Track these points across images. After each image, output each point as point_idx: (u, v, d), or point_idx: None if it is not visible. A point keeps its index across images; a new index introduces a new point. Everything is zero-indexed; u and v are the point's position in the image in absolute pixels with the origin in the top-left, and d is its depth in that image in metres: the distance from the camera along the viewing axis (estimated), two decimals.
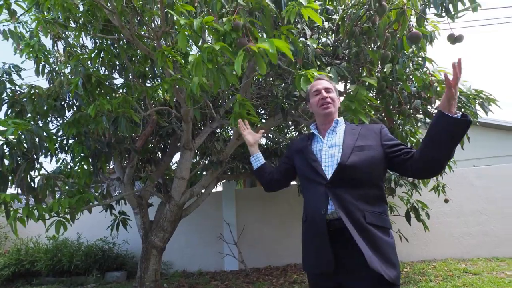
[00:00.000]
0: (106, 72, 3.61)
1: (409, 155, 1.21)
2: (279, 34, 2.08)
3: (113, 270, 5.75)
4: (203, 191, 4.61)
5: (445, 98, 1.08)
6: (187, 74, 2.53)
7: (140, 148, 4.06)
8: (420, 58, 2.48)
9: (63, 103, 3.39)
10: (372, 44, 2.27)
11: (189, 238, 6.02)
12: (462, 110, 2.34)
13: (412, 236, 4.74)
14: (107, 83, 3.40)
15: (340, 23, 2.19)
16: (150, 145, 4.67)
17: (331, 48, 2.46)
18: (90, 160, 3.45)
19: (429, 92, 2.46)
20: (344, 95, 2.33)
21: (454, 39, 2.44)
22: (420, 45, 2.10)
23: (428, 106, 2.43)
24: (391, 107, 2.30)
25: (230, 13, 2.15)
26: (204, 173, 4.64)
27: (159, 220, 4.34)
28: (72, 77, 3.22)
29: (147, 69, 3.82)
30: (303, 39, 2.26)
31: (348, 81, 2.55)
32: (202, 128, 4.53)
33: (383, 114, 2.55)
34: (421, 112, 2.50)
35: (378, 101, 2.48)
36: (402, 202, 4.08)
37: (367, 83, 2.19)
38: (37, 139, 2.76)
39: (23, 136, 2.66)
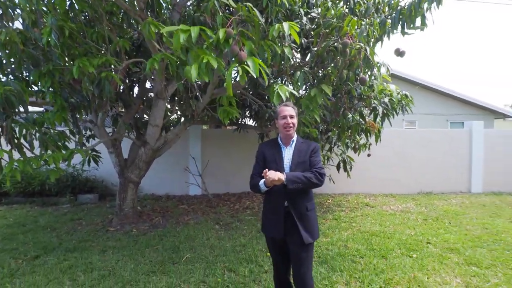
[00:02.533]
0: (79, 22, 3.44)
1: (313, 167, 1.99)
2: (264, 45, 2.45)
3: (84, 193, 6.40)
4: None
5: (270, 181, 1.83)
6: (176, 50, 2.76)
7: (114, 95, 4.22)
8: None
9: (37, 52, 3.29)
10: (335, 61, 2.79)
11: (158, 168, 6.75)
12: (386, 113, 3.25)
13: (338, 176, 6.18)
14: (81, 35, 3.33)
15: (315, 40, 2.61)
16: (121, 90, 4.77)
17: (304, 49, 2.90)
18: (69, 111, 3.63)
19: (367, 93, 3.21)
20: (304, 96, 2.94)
21: (399, 52, 3.10)
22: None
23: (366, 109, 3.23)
24: (339, 106, 3.01)
25: (224, 17, 2.38)
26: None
27: (134, 160, 4.91)
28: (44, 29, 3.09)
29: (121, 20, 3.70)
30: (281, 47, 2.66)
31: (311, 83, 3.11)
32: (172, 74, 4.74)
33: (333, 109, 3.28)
34: (357, 109, 3.32)
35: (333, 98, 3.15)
36: (337, 156, 5.27)
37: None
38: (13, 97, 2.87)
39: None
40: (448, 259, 3.31)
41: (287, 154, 2.04)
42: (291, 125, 2.00)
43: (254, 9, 2.15)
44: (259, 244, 3.73)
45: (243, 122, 6.44)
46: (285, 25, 2.20)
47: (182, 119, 4.63)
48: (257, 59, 2.02)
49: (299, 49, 2.91)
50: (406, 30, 2.94)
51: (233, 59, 2.06)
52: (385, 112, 3.41)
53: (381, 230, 4.27)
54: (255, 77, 1.98)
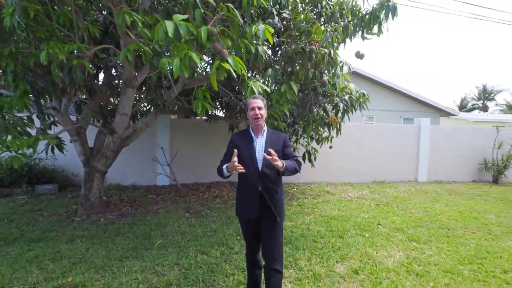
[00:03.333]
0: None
1: (291, 157, 2.23)
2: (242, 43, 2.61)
3: (43, 183, 6.05)
4: None
5: (275, 164, 1.99)
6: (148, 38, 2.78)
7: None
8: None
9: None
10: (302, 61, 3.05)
11: (124, 157, 6.58)
12: (346, 109, 3.65)
13: (303, 166, 6.58)
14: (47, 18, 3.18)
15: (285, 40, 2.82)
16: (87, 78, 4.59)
17: (275, 48, 3.11)
18: (32, 96, 3.46)
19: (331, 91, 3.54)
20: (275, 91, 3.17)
21: (359, 55, 3.44)
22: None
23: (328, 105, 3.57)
24: (306, 101, 3.30)
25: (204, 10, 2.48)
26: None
27: (101, 149, 4.79)
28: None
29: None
30: (257, 46, 2.84)
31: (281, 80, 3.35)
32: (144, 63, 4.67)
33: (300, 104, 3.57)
34: (321, 105, 3.65)
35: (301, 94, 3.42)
36: (302, 147, 5.63)
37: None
38: None
39: None
40: (394, 237, 3.83)
41: (259, 143, 2.21)
42: (259, 115, 2.15)
43: (235, 10, 2.29)
44: (229, 229, 3.95)
45: (213, 113, 6.53)
46: (261, 27, 2.38)
47: (152, 108, 4.60)
48: (237, 58, 2.19)
49: (270, 47, 3.10)
50: (365, 35, 3.29)
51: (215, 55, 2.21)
52: (345, 108, 3.80)
53: (339, 214, 4.73)
54: (235, 75, 2.14)
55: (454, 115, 14.97)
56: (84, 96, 5.16)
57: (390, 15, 2.86)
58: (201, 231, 3.86)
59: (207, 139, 7.06)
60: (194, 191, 6.30)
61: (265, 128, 2.27)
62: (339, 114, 3.81)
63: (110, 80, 5.07)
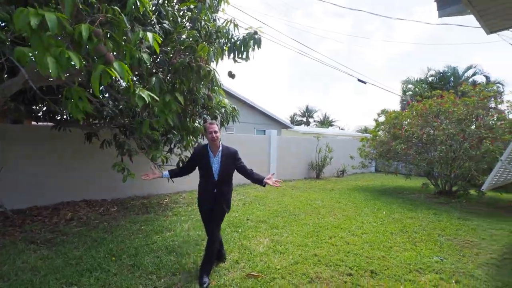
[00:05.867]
0: None
1: (244, 169, 3.05)
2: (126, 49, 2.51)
3: None
4: None
5: (269, 182, 2.91)
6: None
7: None
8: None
9: None
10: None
11: None
12: (222, 120, 4.12)
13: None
14: None
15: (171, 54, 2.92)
16: None
17: (158, 57, 3.13)
18: None
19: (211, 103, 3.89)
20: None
21: (231, 75, 3.97)
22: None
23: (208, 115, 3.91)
24: (187, 111, 3.47)
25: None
26: None
27: None
28: None
29: None
30: (140, 52, 2.79)
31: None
32: None
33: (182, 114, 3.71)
34: (201, 116, 3.95)
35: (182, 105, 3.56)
36: (176, 156, 5.66)
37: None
38: None
39: None
40: (260, 228, 4.58)
41: (216, 161, 2.93)
42: (215, 137, 2.87)
43: (122, 14, 2.18)
44: (100, 252, 3.47)
45: (64, 118, 5.44)
46: (149, 35, 2.39)
47: None
48: (124, 65, 2.11)
49: (151, 55, 3.09)
50: (236, 59, 3.87)
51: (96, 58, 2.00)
52: (222, 120, 4.25)
53: None
54: (122, 83, 2.06)
55: (290, 127, 19.00)
56: None
57: (256, 45, 3.56)
58: (61, 261, 3.19)
59: (53, 151, 5.73)
60: (34, 217, 4.96)
61: (220, 147, 2.96)
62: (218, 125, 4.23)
63: None
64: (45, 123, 5.77)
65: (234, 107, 4.54)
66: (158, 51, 2.61)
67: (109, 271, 3.00)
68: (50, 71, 1.79)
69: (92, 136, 5.65)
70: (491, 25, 2.98)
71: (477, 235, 4.57)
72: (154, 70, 3.13)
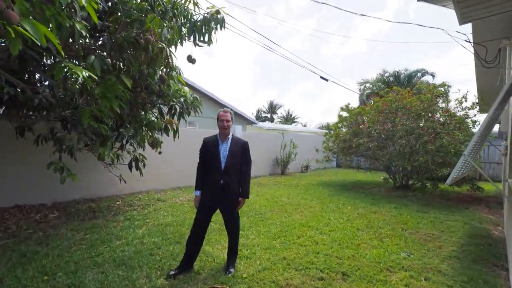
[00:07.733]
0: None
1: (243, 164, 2.98)
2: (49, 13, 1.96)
3: None
4: None
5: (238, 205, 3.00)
6: None
7: None
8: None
9: None
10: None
11: None
12: (182, 110, 3.64)
13: (130, 175, 5.92)
14: None
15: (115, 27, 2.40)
16: None
17: (99, 33, 2.57)
18: None
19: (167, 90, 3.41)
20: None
21: (191, 59, 3.52)
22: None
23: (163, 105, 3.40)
24: (138, 100, 2.96)
25: None
26: None
27: None
28: None
29: None
30: (71, 20, 2.23)
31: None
32: None
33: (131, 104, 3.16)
34: (156, 105, 3.43)
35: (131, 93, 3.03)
36: (129, 154, 5.03)
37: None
38: None
39: None
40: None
41: (224, 148, 2.90)
42: (226, 126, 2.88)
43: None
44: (28, 271, 2.83)
45: None
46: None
47: None
48: (41, 25, 1.58)
49: (91, 30, 2.53)
50: (197, 42, 3.43)
51: None
52: (181, 111, 3.76)
53: (174, 220, 4.63)
54: (40, 44, 1.54)
55: (255, 123, 18.79)
56: None
57: (219, 26, 3.15)
58: None
59: None
60: None
61: (230, 136, 2.96)
62: (175, 117, 3.72)
63: None
64: None
65: (196, 97, 4.07)
66: (96, 20, 2.10)
67: (57, 281, 2.41)
68: None
69: (25, 130, 4.79)
70: (464, 14, 2.96)
71: (436, 227, 4.72)
72: (93, 47, 2.57)
